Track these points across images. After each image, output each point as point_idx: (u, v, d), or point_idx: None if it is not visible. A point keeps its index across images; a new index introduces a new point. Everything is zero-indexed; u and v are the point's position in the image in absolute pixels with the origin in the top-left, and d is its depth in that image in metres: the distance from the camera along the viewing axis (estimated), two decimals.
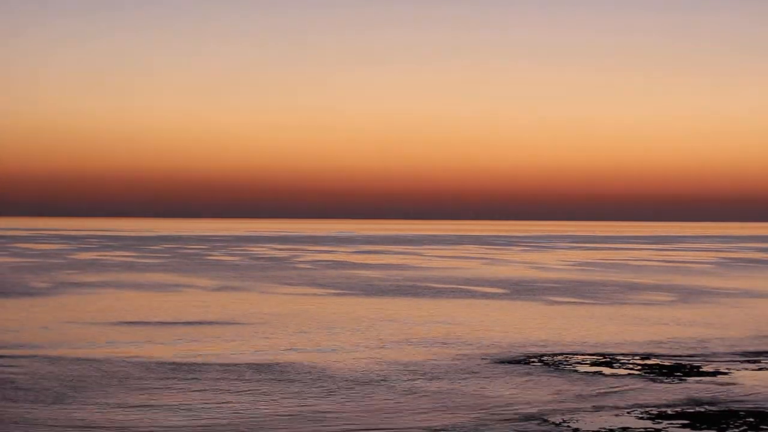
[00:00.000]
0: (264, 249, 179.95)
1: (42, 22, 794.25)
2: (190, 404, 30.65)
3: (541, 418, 28.99)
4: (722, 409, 30.57)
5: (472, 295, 75.61)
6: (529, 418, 29.10)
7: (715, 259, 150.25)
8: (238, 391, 32.92)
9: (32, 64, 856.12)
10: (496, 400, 31.89)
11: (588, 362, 40.35)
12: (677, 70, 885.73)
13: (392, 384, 34.72)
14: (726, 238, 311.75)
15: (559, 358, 41.61)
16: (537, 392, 33.27)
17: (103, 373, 36.43)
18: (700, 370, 38.53)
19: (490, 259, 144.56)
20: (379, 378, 35.96)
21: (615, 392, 33.35)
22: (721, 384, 35.20)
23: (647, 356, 42.26)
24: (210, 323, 53.72)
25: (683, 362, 40.55)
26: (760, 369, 39.06)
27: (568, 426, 28.03)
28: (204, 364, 38.81)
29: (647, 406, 30.88)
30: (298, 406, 30.69)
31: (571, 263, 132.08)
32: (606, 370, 38.18)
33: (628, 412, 29.96)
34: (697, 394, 33.03)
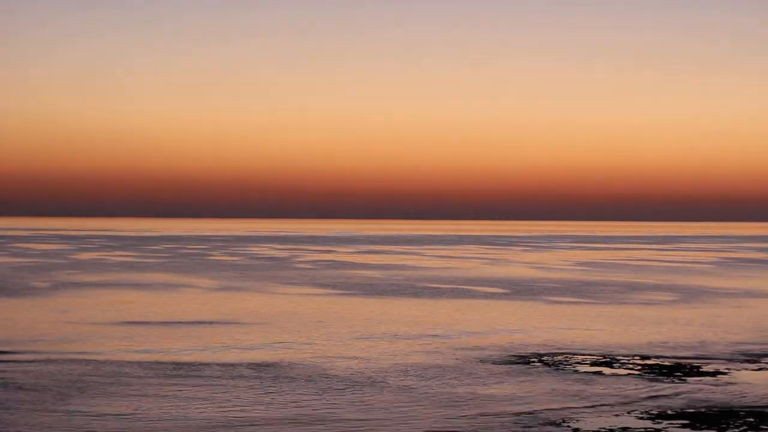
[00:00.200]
0: (264, 249, 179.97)
1: (39, 22, 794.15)
2: (190, 404, 30.66)
3: (541, 418, 29.00)
4: (722, 409, 30.58)
5: (473, 295, 75.61)
6: (529, 417, 29.11)
7: (715, 259, 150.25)
8: (237, 391, 32.93)
9: (31, 64, 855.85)
10: (496, 399, 31.89)
11: (588, 362, 40.35)
12: (677, 70, 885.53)
13: (392, 384, 34.73)
14: (726, 238, 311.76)
15: (559, 358, 41.62)
16: (537, 392, 33.28)
17: (103, 373, 36.45)
18: (700, 370, 38.54)
19: (490, 259, 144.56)
20: (379, 378, 35.97)
21: (615, 392, 33.35)
22: (721, 384, 35.20)
23: (647, 356, 42.26)
24: (210, 323, 53.73)
25: (683, 362, 40.56)
26: (760, 369, 39.07)
27: (568, 426, 28.04)
28: (204, 364, 38.82)
29: (647, 406, 30.88)
30: (298, 406, 30.70)
31: (572, 263, 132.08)
32: (606, 370, 38.18)
33: (628, 412, 29.97)
34: (697, 394, 33.03)
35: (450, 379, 35.92)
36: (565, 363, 40.06)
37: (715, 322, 57.01)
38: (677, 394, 33.01)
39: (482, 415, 29.44)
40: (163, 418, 28.69)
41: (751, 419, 29.02)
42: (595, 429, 27.68)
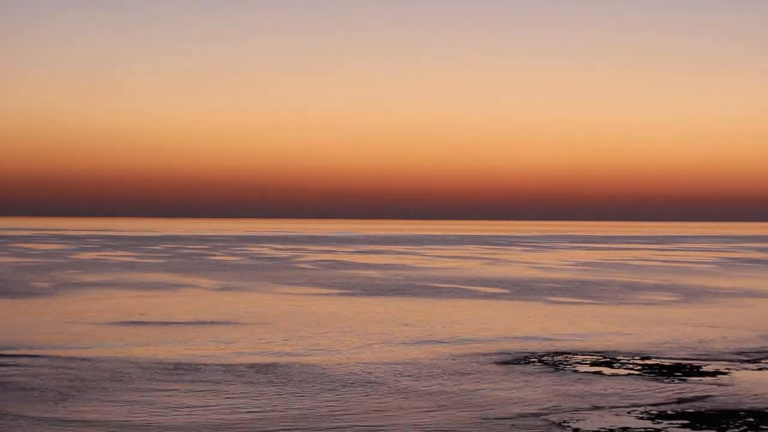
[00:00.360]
0: (265, 249, 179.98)
1: (39, 21, 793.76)
2: (190, 404, 30.67)
3: (541, 418, 29.00)
4: (722, 409, 30.58)
5: (473, 294, 75.62)
6: (529, 418, 29.11)
7: (715, 259, 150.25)
8: (238, 391, 32.94)
9: (31, 64, 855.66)
10: (496, 400, 31.90)
11: (588, 362, 40.35)
12: (677, 70, 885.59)
13: (392, 384, 34.73)
14: (726, 238, 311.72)
15: (559, 358, 41.62)
16: (537, 392, 33.28)
17: (103, 373, 36.45)
18: (700, 370, 38.54)
19: (490, 259, 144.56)
20: (379, 378, 35.97)
21: (615, 392, 33.36)
22: (721, 384, 35.21)
23: (647, 356, 42.26)
24: (210, 323, 53.74)
25: (683, 362, 40.56)
26: (760, 369, 39.07)
27: (568, 426, 28.04)
28: (204, 364, 38.83)
29: (647, 406, 30.88)
30: (298, 406, 30.71)
31: (572, 263, 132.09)
32: (606, 370, 38.19)
33: (628, 412, 29.97)
34: (697, 394, 33.03)
35: (450, 379, 35.92)
36: (565, 363, 40.06)
37: (715, 322, 57.02)
38: (677, 394, 33.01)
39: (482, 415, 29.44)
40: (163, 417, 28.69)
41: (751, 419, 29.03)
42: (595, 429, 27.68)
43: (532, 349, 44.11)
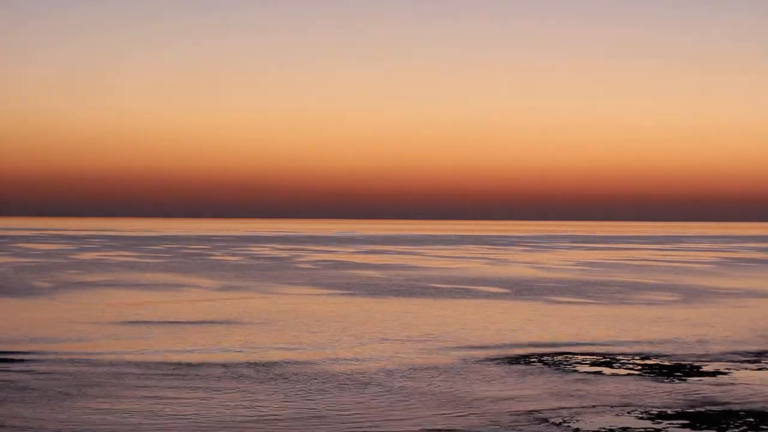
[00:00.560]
0: (265, 249, 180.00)
1: (34, 20, 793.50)
2: (190, 404, 30.69)
3: (540, 418, 29.01)
4: (722, 409, 30.59)
5: (474, 294, 75.63)
6: (529, 417, 29.12)
7: (716, 259, 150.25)
8: (238, 391, 32.95)
9: (24, 64, 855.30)
10: (496, 399, 31.90)
11: (588, 362, 40.36)
12: (677, 70, 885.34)
13: (392, 384, 34.75)
14: (727, 238, 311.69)
15: (560, 357, 41.63)
16: (537, 392, 33.29)
17: (103, 372, 36.47)
18: (700, 370, 38.54)
19: (491, 259, 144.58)
20: (379, 378, 35.99)
21: (615, 392, 33.36)
22: (721, 384, 35.22)
23: (647, 356, 42.27)
24: (211, 323, 53.75)
25: (683, 362, 40.56)
26: (760, 369, 39.07)
27: (568, 426, 28.05)
28: (204, 364, 38.84)
29: (647, 406, 30.89)
30: (298, 406, 30.72)
31: (572, 263, 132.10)
32: (606, 370, 38.19)
33: (628, 412, 29.98)
34: (697, 394, 33.04)
35: (450, 378, 35.93)
36: (565, 363, 40.06)
37: (715, 322, 57.02)
38: (677, 394, 33.02)
39: (482, 415, 29.45)
40: (164, 417, 28.71)
41: (751, 419, 29.03)
42: (595, 429, 27.68)
43: (532, 349, 44.12)
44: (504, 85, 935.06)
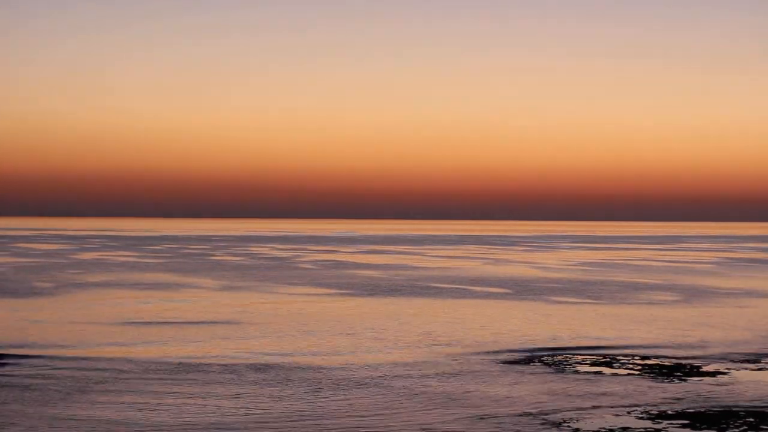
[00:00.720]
0: (266, 249, 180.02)
1: (33, 20, 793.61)
2: (190, 404, 30.70)
3: (540, 418, 29.02)
4: (722, 409, 30.60)
5: (474, 294, 75.65)
6: (529, 417, 29.13)
7: (716, 259, 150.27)
8: (238, 391, 32.97)
9: (24, 64, 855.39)
10: (496, 399, 31.92)
11: (588, 362, 40.38)
12: (677, 70, 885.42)
13: (391, 384, 34.76)
14: (727, 238, 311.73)
15: (560, 358, 41.64)
16: (537, 392, 33.30)
17: (103, 373, 36.48)
18: (700, 370, 38.56)
19: (491, 258, 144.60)
20: (379, 378, 36.00)
21: (615, 392, 33.38)
22: (721, 384, 35.23)
23: (647, 356, 42.29)
24: (211, 323, 53.77)
25: (683, 362, 40.58)
26: (760, 369, 39.08)
27: (568, 426, 28.06)
28: (204, 364, 38.86)
29: (647, 406, 30.91)
30: (298, 406, 30.74)
31: (572, 263, 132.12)
32: (606, 370, 38.21)
33: (628, 412, 29.99)
34: (697, 394, 33.05)
35: (449, 378, 35.94)
36: (565, 363, 40.08)
37: (716, 322, 57.03)
38: (677, 394, 33.03)
39: (482, 415, 29.47)
40: (164, 417, 28.73)
41: (751, 419, 29.04)
42: (595, 429, 27.70)
43: (532, 349, 44.13)
44: (504, 85, 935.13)
